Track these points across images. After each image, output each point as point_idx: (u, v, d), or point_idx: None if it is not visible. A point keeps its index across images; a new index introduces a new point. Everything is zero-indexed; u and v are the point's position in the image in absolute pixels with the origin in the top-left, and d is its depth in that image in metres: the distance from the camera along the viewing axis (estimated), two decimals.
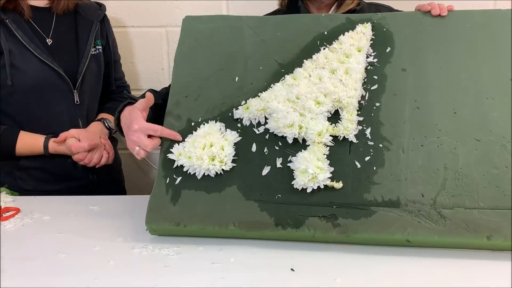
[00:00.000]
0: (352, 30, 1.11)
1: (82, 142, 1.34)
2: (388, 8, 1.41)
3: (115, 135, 1.59)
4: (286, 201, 0.95)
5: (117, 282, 0.84)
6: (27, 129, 1.38)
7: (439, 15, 1.10)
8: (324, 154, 0.97)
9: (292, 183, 0.96)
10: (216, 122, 1.05)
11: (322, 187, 0.94)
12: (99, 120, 1.48)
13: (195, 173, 1.00)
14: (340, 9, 1.35)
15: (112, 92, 1.60)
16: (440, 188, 0.93)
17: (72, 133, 1.37)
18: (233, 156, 1.00)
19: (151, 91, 1.10)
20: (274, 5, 1.54)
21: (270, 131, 1.02)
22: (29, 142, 1.36)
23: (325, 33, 1.13)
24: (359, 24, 1.12)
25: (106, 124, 1.48)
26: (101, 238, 1.00)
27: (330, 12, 1.38)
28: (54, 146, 1.36)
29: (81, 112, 1.44)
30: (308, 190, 0.95)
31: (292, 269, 0.86)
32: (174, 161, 1.02)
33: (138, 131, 1.01)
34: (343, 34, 1.11)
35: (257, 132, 1.03)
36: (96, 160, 1.38)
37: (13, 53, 1.33)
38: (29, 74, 1.34)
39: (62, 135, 1.36)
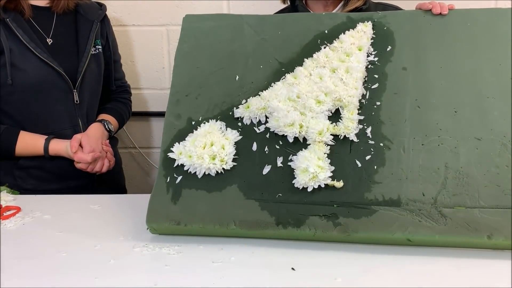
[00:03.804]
0: (353, 29, 1.11)
1: (85, 154, 1.34)
2: (396, 8, 1.41)
3: (116, 134, 1.59)
4: (286, 200, 0.95)
5: (117, 281, 0.83)
6: (27, 128, 1.38)
7: (440, 13, 1.10)
8: (324, 153, 0.97)
9: (293, 182, 0.96)
10: (216, 121, 1.05)
11: (322, 186, 0.94)
12: (100, 121, 1.48)
13: (195, 172, 1.00)
14: (347, 7, 1.35)
15: (112, 92, 1.60)
16: (440, 187, 0.93)
17: (78, 137, 1.36)
18: (234, 155, 1.00)
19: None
20: (275, 5, 1.54)
21: (270, 130, 1.02)
22: (29, 142, 1.36)
23: (326, 32, 1.13)
24: (360, 23, 1.12)
25: (106, 126, 1.48)
26: (102, 237, 1.00)
27: (336, 10, 1.38)
28: (54, 148, 1.36)
29: (81, 111, 1.44)
30: (309, 189, 0.95)
31: (292, 268, 0.86)
32: (174, 160, 1.01)
33: None
34: (344, 33, 1.11)
35: (258, 131, 1.03)
36: (98, 169, 1.39)
37: (13, 52, 1.33)
38: (29, 73, 1.34)
39: (75, 143, 1.35)
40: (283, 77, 1.08)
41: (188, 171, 1.00)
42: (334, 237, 0.92)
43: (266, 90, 1.06)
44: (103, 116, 1.52)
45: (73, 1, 1.45)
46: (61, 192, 1.33)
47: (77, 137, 1.36)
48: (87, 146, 1.36)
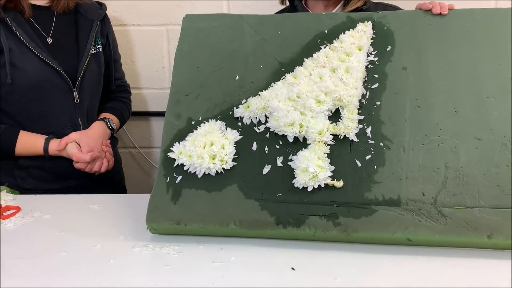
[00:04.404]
0: (353, 29, 1.11)
1: (84, 154, 1.34)
2: (396, 8, 1.41)
3: (116, 134, 1.59)
4: (286, 200, 0.95)
5: (117, 281, 0.83)
6: (27, 128, 1.38)
7: (440, 13, 1.10)
8: (324, 153, 0.97)
9: (293, 182, 0.96)
10: (216, 120, 1.05)
11: (322, 186, 0.94)
12: (102, 119, 1.48)
13: (195, 172, 1.00)
14: (347, 7, 1.35)
15: (112, 92, 1.60)
16: (440, 187, 0.93)
17: (73, 137, 1.36)
18: (234, 155, 1.00)
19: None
20: (275, 4, 1.54)
21: (270, 130, 1.02)
22: (29, 142, 1.36)
23: (326, 31, 1.13)
24: (360, 23, 1.12)
25: (109, 125, 1.48)
26: (102, 237, 1.00)
27: (335, 11, 1.38)
28: (54, 149, 1.36)
29: (81, 111, 1.44)
30: (309, 189, 0.95)
31: (292, 268, 0.86)
32: (174, 160, 1.01)
33: None
34: (344, 33, 1.11)
35: (258, 131, 1.03)
36: (97, 169, 1.39)
37: (13, 52, 1.33)
38: (29, 73, 1.34)
39: (63, 142, 1.35)
40: (283, 77, 1.08)
41: (188, 171, 1.00)
42: (334, 237, 0.92)
43: (266, 90, 1.06)
44: (104, 114, 1.52)
45: (74, 1, 1.44)
46: (61, 192, 1.33)
47: (70, 136, 1.36)
48: (85, 146, 1.36)
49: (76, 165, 1.36)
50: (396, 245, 0.92)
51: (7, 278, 0.85)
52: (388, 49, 1.08)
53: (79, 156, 1.34)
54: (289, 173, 0.97)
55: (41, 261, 0.91)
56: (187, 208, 0.97)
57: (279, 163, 0.99)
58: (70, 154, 1.35)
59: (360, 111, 1.01)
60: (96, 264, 0.89)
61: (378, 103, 1.02)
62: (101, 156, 1.40)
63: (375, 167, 0.96)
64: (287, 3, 1.48)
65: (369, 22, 1.12)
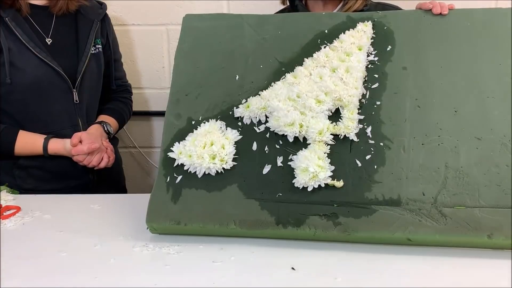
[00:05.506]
0: (353, 29, 1.11)
1: (82, 146, 1.34)
2: (396, 8, 1.41)
3: (117, 134, 1.59)
4: (286, 200, 0.95)
5: (117, 280, 0.84)
6: (26, 128, 1.38)
7: (440, 13, 1.10)
8: (325, 153, 0.97)
9: (293, 181, 0.96)
10: (216, 120, 1.05)
11: (323, 185, 0.94)
12: (99, 123, 1.48)
13: (195, 171, 1.00)
14: (345, 8, 1.35)
15: (113, 92, 1.59)
16: (441, 186, 0.93)
17: (79, 135, 1.36)
18: (234, 155, 1.00)
19: None
20: (275, 4, 1.54)
21: (270, 129, 1.02)
22: (28, 142, 1.36)
23: (326, 31, 1.12)
24: (360, 23, 1.12)
25: (106, 128, 1.47)
26: (102, 237, 1.00)
27: (335, 11, 1.38)
28: (53, 147, 1.36)
29: (80, 111, 1.44)
30: (309, 189, 0.95)
31: (292, 268, 0.86)
32: (174, 159, 1.01)
33: None
34: (344, 33, 1.11)
35: (258, 131, 1.03)
36: (95, 163, 1.38)
37: (12, 52, 1.32)
38: (28, 72, 1.34)
39: (75, 138, 1.34)
40: (283, 76, 1.08)
41: (188, 171, 1.00)
42: (334, 236, 0.92)
43: (266, 90, 1.06)
44: (103, 117, 1.52)
45: (75, 4, 1.43)
46: (61, 192, 1.33)
47: (77, 134, 1.36)
48: (86, 139, 1.35)
49: (75, 158, 1.35)
50: (396, 245, 0.92)
51: (7, 278, 0.85)
52: (388, 49, 1.08)
53: (78, 148, 1.33)
54: (289, 173, 0.97)
55: (41, 261, 0.91)
56: (187, 208, 0.97)
57: (279, 163, 0.99)
58: (69, 148, 1.34)
59: (360, 111, 1.01)
60: (96, 264, 0.89)
61: (378, 103, 1.02)
62: (101, 149, 1.39)
63: (375, 167, 0.96)
64: (288, 3, 1.48)
65: (369, 22, 1.12)
